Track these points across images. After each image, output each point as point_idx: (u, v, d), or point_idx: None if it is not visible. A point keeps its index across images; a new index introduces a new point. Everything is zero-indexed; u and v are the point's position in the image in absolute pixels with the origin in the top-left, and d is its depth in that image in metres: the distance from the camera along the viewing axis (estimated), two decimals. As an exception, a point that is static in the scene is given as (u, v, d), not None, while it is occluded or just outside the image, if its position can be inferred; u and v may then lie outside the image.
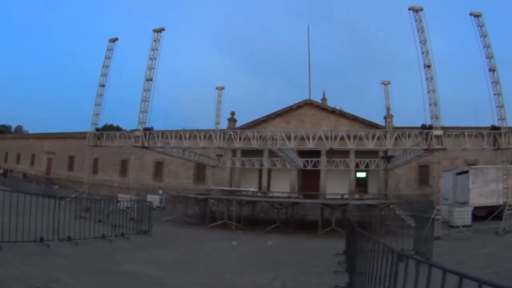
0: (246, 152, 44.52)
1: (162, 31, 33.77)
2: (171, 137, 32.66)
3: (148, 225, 21.35)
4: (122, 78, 77.31)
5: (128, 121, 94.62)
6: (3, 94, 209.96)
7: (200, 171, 54.17)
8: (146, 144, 32.15)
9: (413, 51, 28.61)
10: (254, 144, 30.99)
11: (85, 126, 40.17)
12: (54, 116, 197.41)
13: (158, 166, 57.53)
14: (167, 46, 33.97)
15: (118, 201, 28.33)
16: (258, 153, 42.59)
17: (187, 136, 32.08)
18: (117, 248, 16.49)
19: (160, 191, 44.41)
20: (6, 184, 49.07)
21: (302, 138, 31.66)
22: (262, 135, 31.24)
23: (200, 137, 32.08)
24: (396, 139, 29.96)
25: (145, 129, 32.18)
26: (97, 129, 36.90)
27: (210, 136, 32.56)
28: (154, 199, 34.63)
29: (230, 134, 33.24)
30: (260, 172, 50.35)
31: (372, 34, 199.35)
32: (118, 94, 56.57)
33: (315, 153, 39.45)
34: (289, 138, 30.30)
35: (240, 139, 31.89)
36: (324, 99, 54.53)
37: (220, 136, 32.46)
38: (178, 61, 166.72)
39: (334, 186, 45.15)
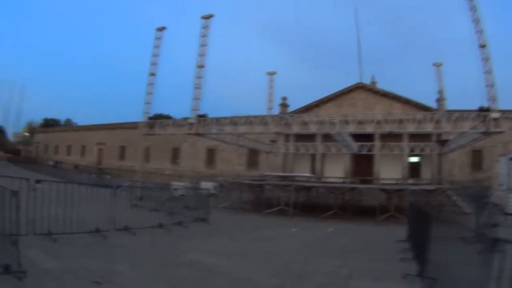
0: (299, 137, 43.56)
1: (211, 18, 33.05)
2: (226, 124, 32.01)
3: (206, 213, 20.50)
4: (170, 67, 76.96)
5: (178, 110, 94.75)
6: (51, 89, 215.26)
7: (252, 157, 53.48)
8: (200, 131, 31.50)
9: (461, 31, 27.16)
10: (312, 129, 30.12)
11: (135, 116, 39.97)
12: (102, 108, 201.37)
13: (210, 153, 57.10)
14: (214, 33, 33.31)
15: (175, 189, 27.85)
16: (310, 138, 41.52)
17: (242, 122, 31.38)
18: (176, 237, 15.85)
19: (220, 178, 43.69)
20: (57, 175, 49.42)
21: (360, 122, 30.67)
22: (320, 119, 30.32)
23: (255, 123, 31.29)
24: (452, 122, 28.58)
25: (199, 116, 31.55)
26: (150, 118, 36.59)
27: (266, 122, 31.74)
28: (207, 186, 33.88)
29: (287, 119, 32.44)
30: (313, 157, 49.20)
31: (418, 16, 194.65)
32: (167, 83, 56.17)
33: (368, 138, 38.12)
34: (346, 122, 29.32)
35: (295, 124, 31.14)
36: (373, 82, 52.91)
37: (275, 121, 31.68)
38: (225, 49, 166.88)
39: (387, 171, 43.69)
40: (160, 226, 16.66)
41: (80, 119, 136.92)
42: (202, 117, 31.67)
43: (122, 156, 69.95)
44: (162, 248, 13.40)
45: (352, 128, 30.05)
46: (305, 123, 31.16)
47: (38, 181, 12.10)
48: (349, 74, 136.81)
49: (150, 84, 36.01)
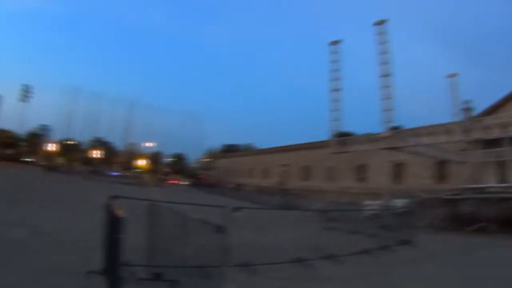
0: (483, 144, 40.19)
1: (385, 23, 31.90)
2: (423, 134, 30.34)
3: (409, 234, 18.85)
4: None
5: (359, 126, 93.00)
6: (230, 117, 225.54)
7: (440, 170, 49.27)
8: (395, 144, 30.15)
9: None
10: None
11: (317, 136, 39.47)
12: (282, 131, 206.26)
13: (397, 168, 53.52)
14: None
15: (368, 209, 26.83)
16: (493, 143, 37.96)
17: (441, 131, 29.52)
18: (385, 265, 14.12)
19: (422, 193, 41.40)
20: (242, 197, 50.57)
21: None
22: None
23: (455, 131, 29.30)
24: None
25: (392, 129, 30.22)
26: (338, 135, 35.96)
27: (467, 129, 29.62)
28: (399, 203, 32.26)
29: (487, 123, 30.20)
30: (500, 164, 45.05)
31: None
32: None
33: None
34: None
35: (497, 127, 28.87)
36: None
37: (477, 127, 29.48)
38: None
39: None
40: (365, 251, 15.10)
41: (260, 143, 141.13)
42: (396, 129, 30.35)
43: (305, 177, 70.19)
44: (377, 281, 11.49)
45: None
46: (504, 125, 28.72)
47: (236, 209, 11.50)
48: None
49: (335, 101, 35.43)
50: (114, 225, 6.63)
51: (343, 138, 35.89)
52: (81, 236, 11.56)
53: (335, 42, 36.98)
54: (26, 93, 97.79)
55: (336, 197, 43.92)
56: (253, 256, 11.19)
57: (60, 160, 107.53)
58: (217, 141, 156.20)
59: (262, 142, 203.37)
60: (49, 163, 67.84)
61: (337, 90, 35.56)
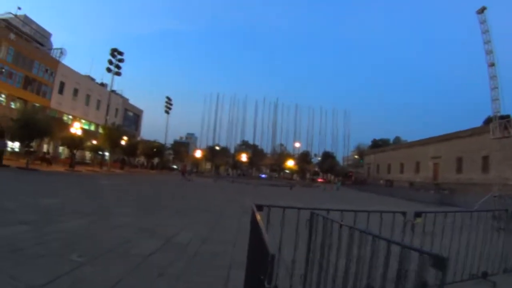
0: None
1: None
2: None
3: None
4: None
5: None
6: (376, 112, 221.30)
7: None
8: None
9: None
10: None
11: (471, 121, 34.92)
12: (433, 119, 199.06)
13: None
14: None
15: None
16: None
17: None
18: None
19: None
20: (396, 195, 49.36)
21: None
22: None
23: None
24: None
25: None
26: (501, 117, 31.41)
27: None
28: None
29: None
30: None
31: None
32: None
33: None
34: None
35: None
36: None
37: None
38: None
39: None
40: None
41: (410, 135, 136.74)
42: None
43: (459, 169, 64.08)
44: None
45: None
46: None
47: (418, 214, 8.33)
48: None
49: (493, 77, 31.18)
50: (258, 257, 3.94)
51: (503, 120, 31.05)
52: (222, 249, 9.75)
53: (481, 10, 32.63)
54: (169, 105, 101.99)
55: (490, 190, 38.61)
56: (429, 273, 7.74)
57: (207, 166, 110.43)
58: (365, 137, 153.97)
59: (411, 134, 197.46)
60: (183, 168, 68.26)
61: (492, 65, 31.12)
